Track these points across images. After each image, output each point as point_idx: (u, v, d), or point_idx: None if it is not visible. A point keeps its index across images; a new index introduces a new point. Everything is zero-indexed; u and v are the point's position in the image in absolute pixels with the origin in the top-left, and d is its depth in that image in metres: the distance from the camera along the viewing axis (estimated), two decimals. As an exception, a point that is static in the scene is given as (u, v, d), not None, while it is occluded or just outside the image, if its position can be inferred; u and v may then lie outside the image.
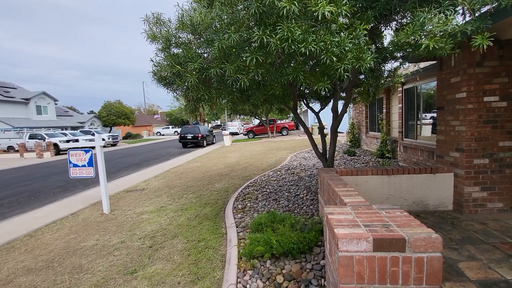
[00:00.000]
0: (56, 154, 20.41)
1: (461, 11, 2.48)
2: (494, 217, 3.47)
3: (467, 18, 2.46)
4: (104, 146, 26.19)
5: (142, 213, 5.42)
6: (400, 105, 7.67)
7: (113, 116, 35.48)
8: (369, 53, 2.30)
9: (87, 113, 47.90)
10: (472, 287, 2.19)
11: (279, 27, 1.95)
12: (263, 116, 23.47)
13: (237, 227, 4.09)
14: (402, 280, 1.66)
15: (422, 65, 5.74)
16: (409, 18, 2.92)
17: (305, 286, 2.55)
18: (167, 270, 3.15)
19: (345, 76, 2.28)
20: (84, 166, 5.55)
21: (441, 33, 2.11)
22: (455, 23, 2.11)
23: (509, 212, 3.56)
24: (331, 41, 2.03)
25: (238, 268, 2.94)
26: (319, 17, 1.84)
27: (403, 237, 1.64)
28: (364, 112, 11.38)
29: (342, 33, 2.13)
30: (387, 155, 8.77)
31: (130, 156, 17.35)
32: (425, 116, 6.75)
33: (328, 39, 2.04)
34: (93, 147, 5.55)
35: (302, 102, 6.48)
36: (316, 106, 6.71)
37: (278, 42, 1.96)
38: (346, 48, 2.10)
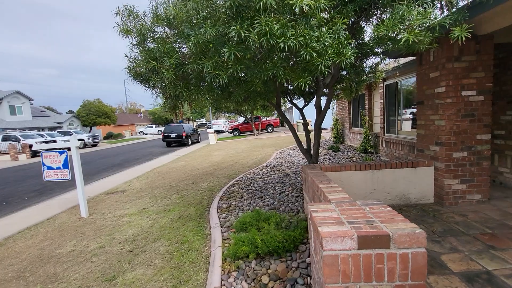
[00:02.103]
0: (32, 156, 19.41)
1: (439, 5, 2.48)
2: (473, 208, 3.57)
3: (445, 13, 2.47)
4: (84, 147, 25.27)
5: (122, 216, 5.20)
6: (382, 101, 7.80)
7: (93, 115, 34.17)
8: (350, 48, 2.26)
9: (66, 112, 45.92)
10: (455, 279, 2.22)
11: (256, 22, 1.86)
12: (248, 113, 23.35)
13: (221, 227, 3.99)
14: (387, 277, 1.64)
15: (402, 61, 5.83)
16: (389, 14, 2.91)
17: (290, 285, 2.49)
18: (148, 276, 3.01)
19: (326, 72, 2.22)
20: (59, 168, 5.24)
21: (421, 27, 2.09)
22: (433, 17, 2.10)
23: (487, 203, 3.67)
24: (310, 36, 1.97)
25: (222, 270, 2.85)
26: (297, 11, 1.77)
27: (387, 233, 1.61)
28: (347, 108, 11.53)
29: (322, 28, 2.07)
30: (370, 150, 8.92)
31: (111, 156, 16.77)
32: (405, 111, 6.90)
33: (308, 33, 1.97)
34: (69, 148, 5.25)
35: (286, 99, 6.44)
36: (300, 102, 6.70)
37: (256, 37, 1.87)
38: (326, 43, 2.04)
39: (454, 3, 2.37)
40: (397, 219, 1.84)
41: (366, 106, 9.21)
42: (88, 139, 25.28)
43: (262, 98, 4.14)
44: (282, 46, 1.87)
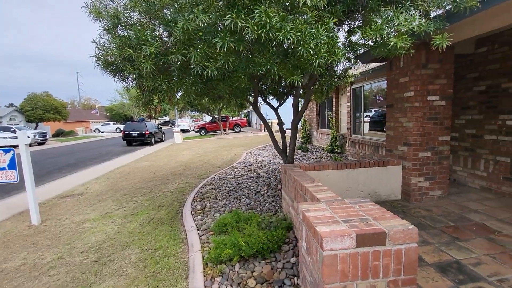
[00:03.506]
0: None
1: (419, 13, 2.63)
2: (435, 203, 3.90)
3: (423, 21, 2.63)
4: (30, 145, 22.28)
5: (82, 221, 4.68)
6: (349, 104, 8.20)
7: (40, 110, 30.51)
8: (341, 48, 2.28)
9: (5, 106, 40.39)
10: (431, 270, 2.37)
11: (257, 12, 1.77)
12: (216, 112, 22.96)
13: (198, 230, 3.80)
14: (382, 273, 1.66)
15: (371, 66, 6.18)
16: (376, 18, 3.01)
17: (278, 287, 2.44)
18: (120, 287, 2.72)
19: (319, 71, 2.22)
20: (3, 169, 4.53)
21: (407, 32, 2.19)
22: (418, 23, 2.21)
23: (446, 199, 4.04)
24: (308, 32, 1.94)
25: (204, 275, 2.69)
26: (300, 4, 1.72)
27: (383, 230, 1.63)
28: (315, 110, 11.94)
29: (318, 25, 2.06)
30: (336, 150, 9.34)
31: (63, 156, 15.15)
32: (369, 113, 7.35)
33: (305, 29, 1.94)
34: (15, 146, 4.57)
35: (261, 98, 6.41)
36: (274, 102, 6.71)
37: (255, 27, 1.78)
38: (322, 41, 2.03)
39: (430, 12, 2.53)
40: (388, 216, 1.88)
41: (334, 108, 9.62)
42: (34, 136, 22.50)
43: (244, 95, 4.03)
44: (281, 39, 1.81)
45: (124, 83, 3.28)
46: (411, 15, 2.17)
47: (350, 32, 3.71)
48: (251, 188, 5.73)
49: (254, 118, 32.51)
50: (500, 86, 3.94)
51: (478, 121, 4.32)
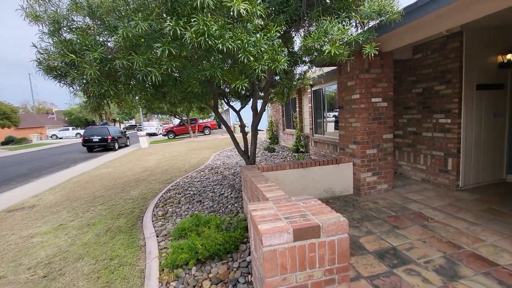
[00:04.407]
0: None
1: (354, 24, 2.89)
2: (382, 196, 4.26)
3: (359, 31, 2.89)
4: (-30, 156, 20.04)
5: (32, 236, 4.36)
6: (310, 105, 8.58)
7: (-16, 116, 27.54)
8: (283, 55, 2.43)
9: None
10: (370, 257, 2.61)
11: (194, 20, 1.83)
12: (184, 115, 22.50)
13: (157, 236, 3.75)
14: (319, 263, 1.81)
15: (326, 69, 6.55)
16: (315, 28, 3.24)
17: (232, 286, 2.52)
18: (68, 301, 2.61)
19: (262, 76, 2.34)
20: None
21: (341, 41, 2.41)
22: (350, 33, 2.44)
23: (391, 191, 4.43)
24: (247, 40, 2.05)
25: (160, 281, 2.68)
26: (235, 14, 1.82)
27: (318, 224, 1.78)
28: (281, 111, 12.27)
29: (258, 34, 2.18)
30: (301, 149, 9.69)
31: (13, 166, 13.84)
32: (329, 114, 7.76)
33: (245, 38, 2.05)
34: None
35: (223, 101, 6.46)
36: (237, 105, 6.81)
37: (194, 35, 1.84)
38: (262, 48, 2.16)
39: (365, 23, 2.79)
40: (326, 210, 2.05)
41: (297, 109, 9.97)
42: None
43: (199, 99, 4.06)
44: (220, 47, 1.89)
45: (71, 88, 3.14)
46: (344, 26, 2.38)
47: (305, 37, 3.94)
48: (216, 190, 5.76)
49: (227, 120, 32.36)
50: (433, 89, 4.42)
51: (417, 120, 4.80)
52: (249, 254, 2.99)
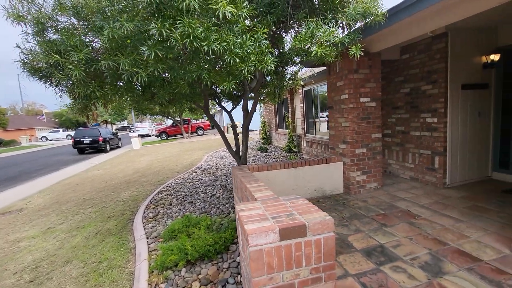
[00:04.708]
0: None
1: (341, 25, 2.93)
2: (371, 195, 4.31)
3: (346, 32, 2.93)
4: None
5: (19, 240, 4.28)
6: (302, 105, 8.63)
7: (-30, 118, 26.85)
8: (270, 56, 2.44)
9: None
10: (358, 255, 2.65)
11: (179, 22, 1.83)
12: (177, 116, 22.35)
13: (147, 238, 3.72)
14: (305, 262, 1.83)
15: (317, 70, 6.60)
16: (303, 29, 3.26)
17: (222, 286, 2.53)
18: (55, 306, 2.58)
19: (249, 77, 2.35)
20: None
21: (327, 42, 2.44)
22: (336, 35, 2.47)
23: (380, 190, 4.49)
24: (233, 42, 2.05)
25: (149, 283, 2.67)
26: (220, 16, 1.83)
27: (304, 223, 1.80)
28: (273, 111, 12.30)
29: (244, 35, 2.19)
30: (293, 149, 9.74)
31: (1, 168, 13.53)
32: (323, 114, 7.82)
33: (231, 39, 2.05)
34: None
35: (214, 101, 6.45)
36: (229, 105, 6.81)
37: (179, 37, 1.84)
38: (248, 50, 2.17)
39: (351, 24, 2.83)
40: (312, 210, 2.07)
41: (289, 109, 10.02)
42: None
43: (188, 100, 4.05)
44: (206, 49, 1.90)
45: (57, 89, 3.10)
46: (330, 28, 2.42)
47: (294, 38, 3.97)
48: (207, 191, 5.74)
49: (218, 120, 32.30)
50: (420, 89, 4.50)
51: (405, 119, 4.88)
52: (239, 255, 3.00)
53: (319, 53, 2.37)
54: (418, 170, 4.72)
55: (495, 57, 4.19)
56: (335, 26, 2.70)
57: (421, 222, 3.24)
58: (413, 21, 2.87)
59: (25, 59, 2.80)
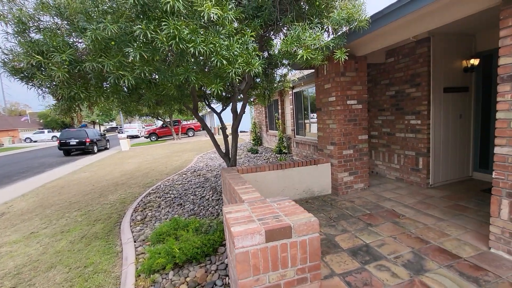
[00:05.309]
0: None
1: (327, 30, 2.98)
2: (358, 195, 4.40)
3: (331, 37, 2.99)
4: None
5: (0, 245, 4.14)
6: (291, 106, 8.70)
7: (-52, 119, 25.70)
8: (257, 59, 2.47)
9: None
10: (344, 255, 2.70)
11: (164, 23, 1.83)
12: (167, 117, 22.10)
13: (135, 241, 3.68)
14: (291, 263, 1.85)
15: (306, 72, 6.67)
16: (291, 32, 3.31)
17: (209, 289, 2.52)
18: (38, 313, 2.51)
19: (237, 79, 2.37)
20: None
21: (313, 46, 2.48)
22: (322, 39, 2.52)
23: (367, 190, 4.58)
24: (220, 44, 2.07)
25: (135, 287, 2.63)
26: (205, 19, 1.84)
27: (289, 224, 1.82)
28: (264, 112, 12.35)
29: (231, 38, 2.20)
30: (284, 151, 9.80)
31: (-20, 172, 13.01)
32: (313, 116, 7.91)
33: (217, 42, 2.07)
34: None
35: (204, 103, 6.43)
36: (219, 107, 6.80)
37: (165, 39, 1.84)
38: (235, 52, 2.19)
39: (337, 29, 2.89)
40: (298, 211, 2.10)
41: (279, 111, 10.08)
42: None
43: (177, 102, 4.03)
44: (192, 51, 1.90)
45: (39, 90, 3.03)
46: (315, 32, 2.46)
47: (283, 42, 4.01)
48: (197, 193, 5.71)
49: (209, 122, 32.13)
50: (405, 91, 4.63)
51: (391, 121, 5.01)
52: (227, 257, 3.00)
53: (305, 57, 2.42)
54: (403, 170, 4.84)
55: (475, 61, 4.35)
56: (321, 30, 2.74)
57: (405, 222, 3.33)
58: (394, 27, 2.95)
59: (5, 59, 2.73)
